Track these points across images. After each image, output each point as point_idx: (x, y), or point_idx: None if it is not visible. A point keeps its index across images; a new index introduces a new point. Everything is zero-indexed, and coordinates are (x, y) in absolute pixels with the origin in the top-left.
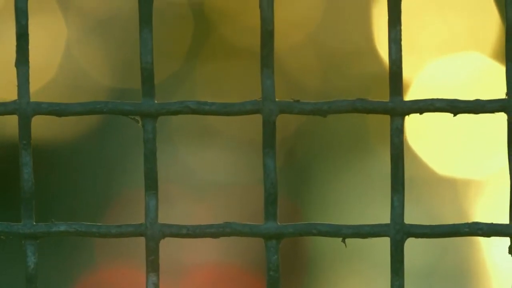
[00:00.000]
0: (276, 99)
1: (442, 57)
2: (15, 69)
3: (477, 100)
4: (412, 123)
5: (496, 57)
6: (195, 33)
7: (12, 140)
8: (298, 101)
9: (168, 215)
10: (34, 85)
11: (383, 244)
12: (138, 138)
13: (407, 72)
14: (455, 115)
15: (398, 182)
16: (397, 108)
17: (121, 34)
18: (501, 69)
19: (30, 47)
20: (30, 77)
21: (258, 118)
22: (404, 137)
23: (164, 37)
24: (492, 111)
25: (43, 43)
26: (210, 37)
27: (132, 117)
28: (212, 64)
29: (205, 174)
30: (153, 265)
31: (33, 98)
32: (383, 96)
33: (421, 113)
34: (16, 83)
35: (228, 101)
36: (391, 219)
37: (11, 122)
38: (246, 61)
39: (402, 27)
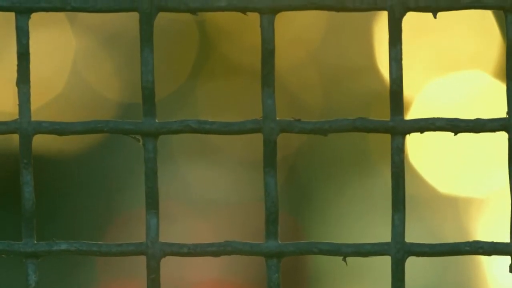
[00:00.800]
0: (277, 118)
1: (443, 75)
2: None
3: (478, 119)
4: (414, 141)
5: (497, 75)
6: (198, 50)
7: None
8: (299, 120)
9: (169, 232)
10: (42, 99)
11: (384, 262)
12: (140, 156)
13: (408, 90)
14: (456, 134)
15: (398, 200)
16: (398, 127)
17: (129, 49)
18: (503, 87)
19: (38, 61)
20: (38, 91)
21: (259, 136)
22: (406, 155)
23: (166, 54)
24: (493, 130)
25: (51, 57)
26: (212, 55)
27: (133, 136)
28: (214, 82)
29: (206, 192)
30: (154, 284)
31: (41, 112)
32: (384, 113)
33: (421, 132)
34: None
35: (230, 118)
36: (392, 238)
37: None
38: (247, 79)
39: (403, 46)
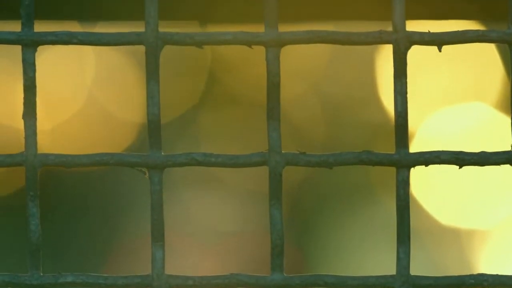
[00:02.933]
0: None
1: (444, 107)
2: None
3: (483, 152)
4: (415, 172)
5: (500, 107)
6: (204, 79)
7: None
8: (304, 153)
9: (174, 263)
10: (61, 116)
11: None
12: (144, 183)
13: (410, 122)
14: (460, 167)
15: (403, 233)
16: (403, 160)
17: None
18: (505, 119)
19: (58, 78)
20: (57, 109)
21: (264, 168)
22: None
23: (172, 82)
24: (498, 163)
25: (71, 75)
26: (217, 84)
27: (139, 169)
28: (218, 112)
29: (210, 222)
30: None
31: (58, 131)
32: (387, 145)
33: (426, 165)
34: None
35: (233, 147)
36: (397, 271)
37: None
38: (251, 109)
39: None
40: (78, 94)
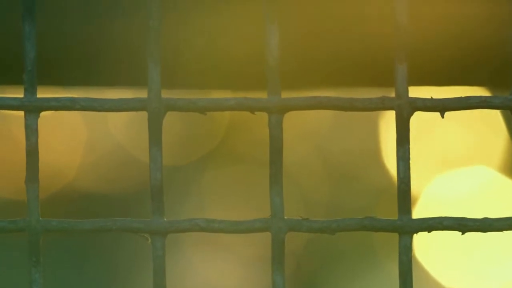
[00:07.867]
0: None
1: (449, 171)
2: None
3: (485, 219)
4: (419, 236)
5: (503, 171)
6: (206, 140)
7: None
8: (307, 219)
9: None
10: (88, 157)
11: None
12: (147, 246)
13: (415, 186)
14: (463, 233)
15: None
16: (406, 226)
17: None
18: (509, 182)
19: (84, 122)
20: (85, 149)
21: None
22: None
23: (176, 140)
24: (501, 230)
25: (97, 120)
26: (220, 144)
27: (142, 234)
28: (221, 172)
29: (213, 283)
30: None
31: (83, 172)
32: (391, 208)
33: (429, 231)
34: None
35: (236, 208)
36: None
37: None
38: (254, 171)
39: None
40: (96, 137)
